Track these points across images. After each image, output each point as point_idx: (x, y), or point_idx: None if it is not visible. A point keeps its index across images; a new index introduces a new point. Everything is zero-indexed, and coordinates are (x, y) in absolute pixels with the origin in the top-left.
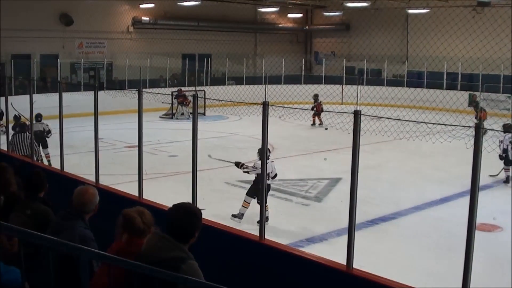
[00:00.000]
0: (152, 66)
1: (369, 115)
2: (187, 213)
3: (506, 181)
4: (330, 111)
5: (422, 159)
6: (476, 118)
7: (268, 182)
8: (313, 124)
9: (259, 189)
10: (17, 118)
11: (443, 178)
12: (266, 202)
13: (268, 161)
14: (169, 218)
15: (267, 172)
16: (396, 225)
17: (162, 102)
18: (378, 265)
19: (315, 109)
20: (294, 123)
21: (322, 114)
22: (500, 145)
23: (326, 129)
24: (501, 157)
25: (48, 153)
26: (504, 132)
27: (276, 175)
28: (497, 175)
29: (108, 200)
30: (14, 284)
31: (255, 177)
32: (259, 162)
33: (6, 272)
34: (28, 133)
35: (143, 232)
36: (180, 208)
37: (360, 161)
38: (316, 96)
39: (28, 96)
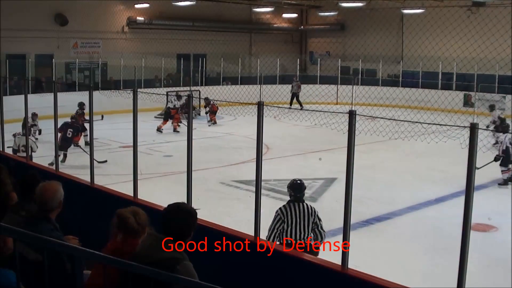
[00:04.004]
0: (147, 66)
1: (364, 115)
2: (183, 213)
3: (504, 183)
4: (325, 111)
5: (417, 159)
6: None
7: None
8: None
9: None
10: None
11: (438, 178)
12: None
13: None
14: (165, 218)
15: None
16: (391, 225)
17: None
18: (373, 265)
19: None
20: (289, 123)
21: (317, 114)
22: (498, 146)
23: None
24: (498, 158)
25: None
26: (504, 132)
27: None
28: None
29: (103, 200)
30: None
31: None
32: None
33: (1, 275)
34: None
35: (137, 232)
36: (176, 208)
37: (355, 161)
38: None
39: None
